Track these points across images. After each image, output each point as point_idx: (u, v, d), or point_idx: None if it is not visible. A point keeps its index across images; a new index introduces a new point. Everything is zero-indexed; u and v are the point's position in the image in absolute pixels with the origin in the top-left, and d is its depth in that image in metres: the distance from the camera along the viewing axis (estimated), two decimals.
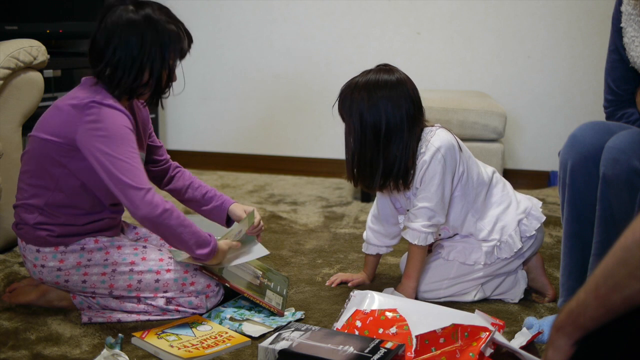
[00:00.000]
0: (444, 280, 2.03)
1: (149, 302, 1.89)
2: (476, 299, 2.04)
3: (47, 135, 1.81)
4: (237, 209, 2.08)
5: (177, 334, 1.76)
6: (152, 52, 1.79)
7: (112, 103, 1.78)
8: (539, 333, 1.69)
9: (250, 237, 2.07)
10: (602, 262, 0.93)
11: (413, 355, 1.59)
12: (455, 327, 1.60)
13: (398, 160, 1.91)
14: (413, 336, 1.60)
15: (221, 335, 1.76)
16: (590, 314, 0.95)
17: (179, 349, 1.68)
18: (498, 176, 2.09)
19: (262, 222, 2.08)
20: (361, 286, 2.12)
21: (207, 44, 3.94)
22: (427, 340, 1.60)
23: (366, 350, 1.50)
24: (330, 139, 3.83)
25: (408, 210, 2.02)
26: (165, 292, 1.89)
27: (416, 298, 2.01)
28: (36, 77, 2.40)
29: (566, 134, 1.89)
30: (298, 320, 1.89)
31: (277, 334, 1.61)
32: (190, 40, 1.89)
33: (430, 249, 2.09)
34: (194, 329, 1.79)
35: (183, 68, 1.93)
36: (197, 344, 1.71)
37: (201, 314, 1.91)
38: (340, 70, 3.65)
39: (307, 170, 3.86)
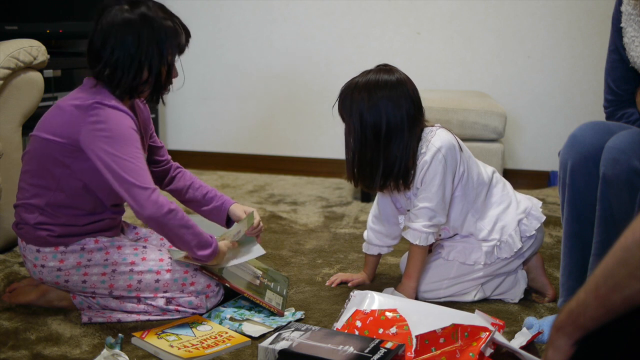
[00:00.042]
0: (444, 280, 2.03)
1: (149, 302, 1.89)
2: (476, 299, 2.04)
3: (49, 135, 1.81)
4: (237, 209, 2.08)
5: (177, 334, 1.76)
6: (149, 49, 1.79)
7: (116, 104, 1.79)
8: (539, 333, 1.69)
9: (249, 237, 2.07)
10: (602, 262, 0.93)
11: (413, 355, 1.59)
12: (455, 327, 1.60)
13: (398, 161, 1.91)
14: (413, 336, 1.60)
15: (221, 335, 1.76)
16: (590, 314, 0.95)
17: (179, 349, 1.68)
18: (498, 176, 2.09)
19: (261, 223, 2.08)
20: (361, 286, 2.12)
21: (207, 44, 3.94)
22: (427, 340, 1.60)
23: (366, 350, 1.50)
24: (330, 139, 3.83)
25: (408, 211, 2.02)
26: (165, 292, 1.89)
27: (416, 298, 2.01)
28: (36, 77, 2.40)
29: (566, 134, 1.89)
30: (298, 320, 1.89)
31: (277, 334, 1.61)
32: (187, 34, 1.88)
33: (430, 249, 2.09)
34: (194, 329, 1.79)
35: (183, 68, 1.93)
36: (197, 344, 1.71)
37: (201, 314, 1.91)
38: (340, 70, 3.65)
39: (307, 170, 3.86)
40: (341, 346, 1.52)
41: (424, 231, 1.95)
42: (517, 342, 1.67)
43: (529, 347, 1.66)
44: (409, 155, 1.91)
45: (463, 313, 1.67)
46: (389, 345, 1.53)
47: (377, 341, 1.55)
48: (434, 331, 1.60)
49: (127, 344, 1.73)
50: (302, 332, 1.60)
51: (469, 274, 2.02)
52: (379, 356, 1.48)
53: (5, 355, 1.67)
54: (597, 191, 1.73)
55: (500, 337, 1.62)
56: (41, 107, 2.49)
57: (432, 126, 1.97)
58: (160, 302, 1.89)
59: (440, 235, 2.07)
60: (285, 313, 1.92)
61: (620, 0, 1.89)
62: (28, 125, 2.44)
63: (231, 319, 1.86)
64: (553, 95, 3.64)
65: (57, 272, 1.86)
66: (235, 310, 1.91)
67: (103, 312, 1.89)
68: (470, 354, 1.56)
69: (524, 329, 1.75)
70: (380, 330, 1.65)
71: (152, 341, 1.71)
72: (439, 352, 1.59)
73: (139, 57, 1.79)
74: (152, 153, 2.07)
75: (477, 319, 1.64)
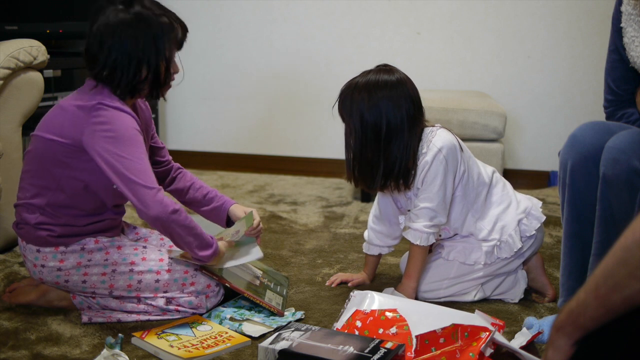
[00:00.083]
0: (444, 280, 2.03)
1: (149, 302, 1.89)
2: (476, 299, 2.04)
3: (51, 135, 1.81)
4: (237, 210, 2.08)
5: (177, 334, 1.76)
6: (146, 47, 1.79)
7: (119, 105, 1.79)
8: (539, 333, 1.69)
9: (249, 238, 2.07)
10: (602, 262, 0.93)
11: (413, 355, 1.59)
12: (455, 327, 1.60)
13: (399, 161, 1.91)
14: (413, 336, 1.60)
15: (221, 335, 1.76)
16: (590, 314, 0.95)
17: (179, 349, 1.68)
18: (498, 176, 2.09)
19: (261, 224, 2.07)
20: (361, 286, 2.12)
21: (207, 44, 3.94)
22: (427, 340, 1.60)
23: (366, 350, 1.50)
24: (330, 139, 3.83)
25: (409, 211, 2.02)
26: (165, 292, 1.89)
27: (416, 298, 2.01)
28: (36, 77, 2.40)
29: (566, 134, 1.89)
30: (298, 320, 1.89)
31: (277, 334, 1.61)
32: (184, 29, 1.88)
33: (430, 249, 2.09)
34: (194, 329, 1.79)
35: (184, 67, 1.93)
36: (197, 344, 1.71)
37: (201, 314, 1.91)
38: (340, 70, 3.65)
39: (307, 170, 3.86)
40: (341, 346, 1.52)
41: (425, 231, 1.95)
42: (517, 342, 1.67)
43: (529, 347, 1.66)
44: (409, 155, 1.91)
45: (463, 313, 1.67)
46: (389, 345, 1.53)
47: (377, 341, 1.55)
48: (434, 331, 1.60)
49: (127, 344, 1.73)
50: (302, 332, 1.60)
51: (469, 274, 2.02)
52: (379, 356, 1.48)
53: (5, 355, 1.67)
54: (597, 191, 1.73)
55: (500, 337, 1.62)
56: (41, 107, 2.49)
57: (433, 126, 1.97)
58: (160, 302, 1.89)
59: (440, 235, 2.07)
60: (285, 313, 1.92)
61: (620, 0, 1.89)
62: (28, 125, 2.44)
63: (231, 319, 1.86)
64: (553, 95, 3.64)
65: (57, 272, 1.86)
66: (235, 310, 1.91)
67: (103, 312, 1.89)
68: (470, 354, 1.56)
69: (524, 329, 1.75)
70: (380, 330, 1.65)
71: (152, 341, 1.71)
72: (439, 352, 1.59)
73: (137, 56, 1.79)
74: (153, 154, 2.06)
75: (477, 319, 1.64)
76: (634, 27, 1.83)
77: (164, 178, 2.10)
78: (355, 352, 1.50)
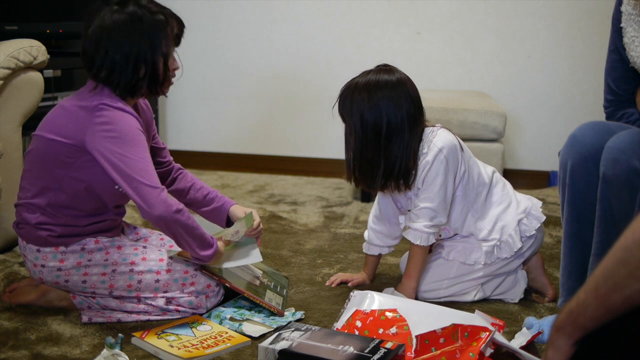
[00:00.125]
0: (444, 280, 2.03)
1: (149, 302, 1.89)
2: (476, 299, 2.04)
3: (53, 135, 1.81)
4: (238, 210, 2.08)
5: (177, 334, 1.76)
6: (143, 46, 1.78)
7: (121, 105, 1.79)
8: (539, 333, 1.69)
9: (250, 239, 2.07)
10: (602, 262, 0.93)
11: (413, 355, 1.59)
12: (455, 327, 1.60)
13: (399, 161, 1.91)
14: (413, 336, 1.60)
15: (221, 335, 1.76)
16: (590, 314, 0.95)
17: (179, 349, 1.68)
18: (498, 176, 2.09)
19: (261, 225, 2.07)
20: (361, 286, 2.12)
21: (207, 44, 3.94)
22: (427, 340, 1.60)
23: (366, 350, 1.50)
24: (330, 139, 3.83)
25: (409, 211, 2.02)
26: (165, 292, 1.89)
27: (416, 298, 2.01)
28: (36, 77, 2.40)
29: (566, 134, 1.89)
30: (298, 320, 1.89)
31: (277, 334, 1.61)
32: (181, 24, 1.87)
33: (430, 249, 2.09)
34: (194, 329, 1.79)
35: (184, 68, 1.93)
36: (197, 344, 1.71)
37: (201, 314, 1.91)
38: (340, 70, 3.65)
39: (307, 170, 3.86)
40: (341, 346, 1.52)
41: (425, 231, 1.95)
42: (517, 342, 1.67)
43: (529, 347, 1.66)
44: (409, 155, 1.91)
45: (463, 313, 1.67)
46: (389, 345, 1.53)
47: (377, 341, 1.55)
48: (434, 331, 1.60)
49: (127, 344, 1.73)
50: (302, 332, 1.60)
51: (469, 273, 2.02)
52: (379, 356, 1.48)
53: (5, 355, 1.67)
54: (597, 191, 1.73)
55: (500, 337, 1.62)
56: (41, 107, 2.49)
57: (433, 126, 1.98)
58: (160, 302, 1.89)
59: (440, 235, 2.07)
60: (285, 313, 1.92)
61: (620, 0, 1.89)
62: (28, 125, 2.44)
63: (231, 319, 1.86)
64: (553, 95, 3.64)
65: (57, 272, 1.86)
66: (235, 310, 1.91)
67: (103, 312, 1.89)
68: (470, 354, 1.56)
69: (524, 329, 1.75)
70: (380, 330, 1.65)
71: (152, 341, 1.71)
72: (439, 352, 1.59)
73: (134, 55, 1.78)
74: (155, 154, 2.06)
75: (477, 319, 1.64)
76: (634, 27, 1.83)
77: (165, 179, 2.10)
78: (355, 352, 1.50)
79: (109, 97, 1.79)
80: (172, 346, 1.69)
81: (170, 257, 1.91)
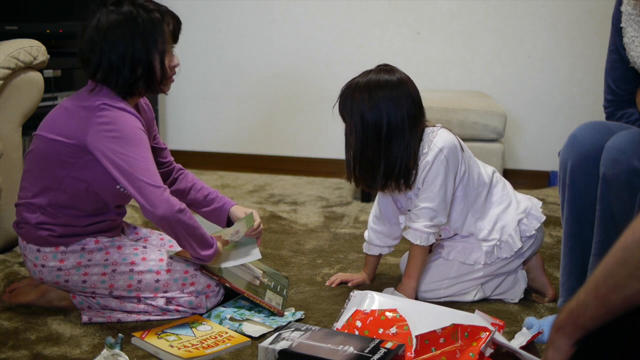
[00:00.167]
0: (444, 280, 2.03)
1: (149, 302, 1.89)
2: (476, 298, 2.04)
3: (54, 135, 1.81)
4: (238, 211, 2.08)
5: (177, 334, 1.76)
6: (138, 46, 1.78)
7: (123, 105, 1.79)
8: (539, 333, 1.69)
9: (250, 239, 2.07)
10: (602, 262, 0.93)
11: (413, 355, 1.59)
12: (455, 327, 1.60)
13: (399, 160, 1.91)
14: (413, 336, 1.60)
15: (221, 335, 1.76)
16: (590, 314, 0.95)
17: (179, 349, 1.68)
18: (498, 176, 2.09)
19: (261, 225, 2.07)
20: (361, 286, 2.12)
21: (207, 44, 3.94)
22: (427, 340, 1.60)
23: (366, 350, 1.50)
24: (330, 139, 3.83)
25: (409, 211, 2.02)
26: (165, 292, 1.89)
27: (416, 298, 2.01)
28: (36, 77, 2.40)
29: (566, 134, 1.89)
30: (298, 320, 1.89)
31: (277, 334, 1.61)
32: (177, 21, 1.87)
33: (430, 249, 2.09)
34: (194, 329, 1.79)
35: (184, 68, 1.92)
36: (197, 344, 1.71)
37: (201, 314, 1.91)
38: (340, 70, 3.65)
39: (307, 170, 3.86)
40: (341, 346, 1.52)
41: (425, 231, 1.95)
42: (517, 342, 1.67)
43: (529, 347, 1.66)
44: (410, 155, 1.91)
45: (463, 313, 1.67)
46: (389, 345, 1.53)
47: (377, 341, 1.55)
48: (434, 331, 1.60)
49: (127, 344, 1.73)
50: (302, 332, 1.60)
51: (469, 273, 2.02)
52: (379, 356, 1.48)
53: (5, 355, 1.67)
54: (597, 191, 1.73)
55: (500, 337, 1.62)
56: (41, 107, 2.49)
57: (433, 126, 1.98)
58: (160, 302, 1.89)
59: (440, 235, 2.07)
60: (285, 313, 1.92)
61: (620, 0, 1.89)
62: (28, 125, 2.44)
63: (231, 319, 1.86)
64: (553, 95, 3.64)
65: (57, 272, 1.86)
66: (235, 310, 1.91)
67: (103, 312, 1.89)
68: (470, 354, 1.56)
69: (524, 329, 1.75)
70: (380, 330, 1.65)
71: (152, 341, 1.71)
72: (439, 352, 1.59)
73: (130, 55, 1.78)
74: (156, 154, 2.05)
75: (477, 319, 1.64)
76: (634, 27, 1.83)
77: (166, 179, 2.10)
78: (355, 352, 1.50)
79: (110, 97, 1.79)
80: (172, 346, 1.69)
81: (170, 257, 1.91)
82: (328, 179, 3.69)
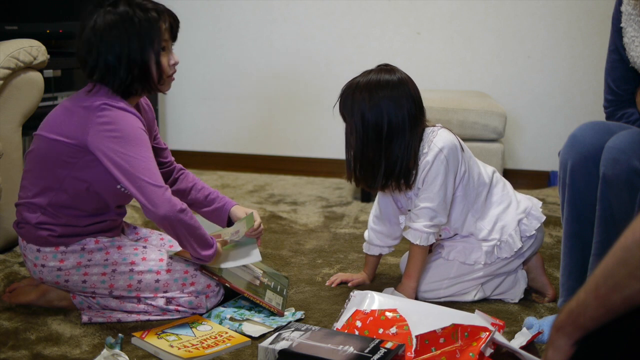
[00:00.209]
0: (444, 280, 2.03)
1: (149, 302, 1.89)
2: (476, 298, 2.04)
3: (55, 135, 1.81)
4: (239, 211, 2.08)
5: (177, 334, 1.76)
6: (134, 46, 1.77)
7: (124, 105, 1.79)
8: (539, 333, 1.69)
9: (250, 239, 2.06)
10: (602, 262, 0.93)
11: (413, 355, 1.59)
12: (455, 327, 1.60)
13: (400, 160, 1.91)
14: (413, 336, 1.60)
15: (221, 335, 1.76)
16: (590, 314, 0.95)
17: (179, 349, 1.68)
18: (498, 176, 2.09)
19: (262, 225, 2.07)
20: (361, 286, 2.12)
21: (207, 44, 3.94)
22: (427, 340, 1.60)
23: (366, 350, 1.50)
24: (330, 139, 3.83)
25: (409, 210, 2.02)
26: (165, 292, 1.89)
27: (416, 298, 2.01)
28: (36, 77, 2.40)
29: (566, 134, 1.89)
30: (298, 320, 1.89)
31: (277, 334, 1.61)
32: (175, 20, 1.86)
33: (430, 249, 2.09)
34: (194, 329, 1.79)
35: (185, 68, 1.92)
36: (197, 344, 1.71)
37: (201, 314, 1.91)
38: (340, 70, 3.65)
39: (307, 170, 3.86)
40: (341, 346, 1.52)
41: (425, 231, 1.95)
42: (517, 342, 1.67)
43: (529, 347, 1.66)
44: (410, 155, 1.91)
45: (463, 313, 1.67)
46: (389, 345, 1.53)
47: (377, 341, 1.55)
48: (434, 331, 1.60)
49: (127, 344, 1.73)
50: (302, 332, 1.60)
51: (469, 273, 2.02)
52: (379, 356, 1.48)
53: (5, 355, 1.67)
54: (597, 191, 1.73)
55: (500, 337, 1.62)
56: (41, 107, 2.49)
57: (433, 126, 1.98)
58: (160, 302, 1.89)
59: (440, 235, 2.07)
60: (285, 313, 1.92)
61: (620, 0, 1.89)
62: (28, 125, 2.44)
63: (231, 319, 1.86)
64: (553, 95, 3.64)
65: (57, 271, 1.86)
66: (235, 310, 1.91)
67: (103, 312, 1.89)
68: (470, 354, 1.56)
69: (524, 329, 1.75)
70: (380, 330, 1.65)
71: (152, 341, 1.71)
72: (439, 352, 1.59)
73: (126, 55, 1.77)
74: (156, 154, 2.05)
75: (477, 319, 1.64)
76: (634, 27, 1.83)
77: (167, 179, 2.10)
78: (355, 352, 1.50)
79: (110, 97, 1.79)
80: (172, 346, 1.69)
81: (170, 257, 1.91)
82: (328, 179, 3.69)
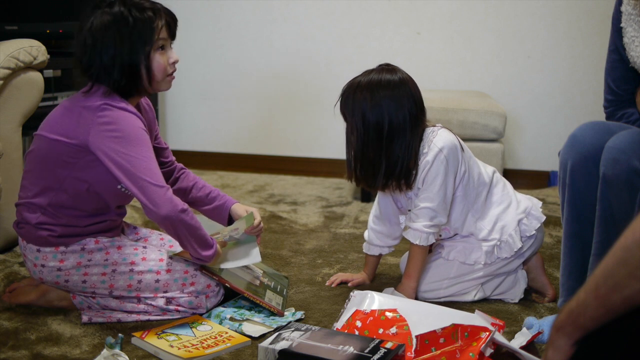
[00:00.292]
0: (444, 280, 2.03)
1: (149, 302, 1.89)
2: (476, 298, 2.04)
3: (55, 135, 1.80)
4: (239, 209, 2.09)
5: (177, 334, 1.76)
6: (129, 46, 1.77)
7: (125, 105, 1.79)
8: (539, 333, 1.69)
9: (250, 237, 2.06)
10: (602, 262, 0.93)
11: (413, 355, 1.59)
12: (455, 327, 1.60)
13: (400, 160, 1.91)
14: (413, 336, 1.60)
15: (221, 335, 1.76)
16: (590, 314, 0.95)
17: (179, 349, 1.68)
18: (498, 176, 2.09)
19: (262, 224, 2.07)
20: (361, 286, 2.12)
21: (207, 44, 3.94)
22: (427, 340, 1.60)
23: (366, 350, 1.50)
24: (330, 139, 3.83)
25: (409, 210, 2.02)
26: (165, 292, 1.89)
27: (416, 298, 2.01)
28: (36, 77, 2.40)
29: (566, 134, 1.89)
30: (298, 320, 1.89)
31: (277, 334, 1.61)
32: (173, 18, 1.85)
33: (430, 249, 2.09)
34: (194, 329, 1.79)
35: (184, 68, 1.92)
36: (197, 344, 1.71)
37: (201, 314, 1.91)
38: (340, 70, 3.65)
39: (307, 170, 3.86)
40: (341, 346, 1.52)
41: (425, 231, 1.95)
42: (517, 342, 1.67)
43: (529, 347, 1.66)
44: (411, 155, 1.91)
45: (463, 313, 1.67)
46: (389, 345, 1.53)
47: (377, 341, 1.55)
48: (434, 331, 1.60)
49: (127, 344, 1.73)
50: (302, 332, 1.60)
51: (469, 273, 2.02)
52: (379, 356, 1.48)
53: (5, 355, 1.67)
54: (597, 191, 1.73)
55: (500, 337, 1.62)
56: (41, 107, 2.49)
57: (434, 126, 1.98)
58: (160, 302, 1.89)
59: (440, 235, 2.07)
60: (285, 313, 1.92)
61: (620, 0, 1.89)
62: (28, 125, 2.44)
63: (231, 319, 1.86)
64: (553, 95, 3.64)
65: (57, 272, 1.86)
66: (235, 310, 1.91)
67: (103, 312, 1.89)
68: (470, 354, 1.56)
69: (524, 329, 1.75)
70: (380, 330, 1.65)
71: (152, 341, 1.71)
72: (439, 352, 1.59)
73: (121, 56, 1.77)
74: (157, 154, 2.05)
75: (477, 319, 1.64)
76: (634, 27, 1.83)
77: (168, 178, 2.09)
78: (355, 352, 1.50)
79: (110, 96, 1.79)
80: (172, 346, 1.69)
81: (170, 257, 1.91)
82: (328, 179, 3.69)
